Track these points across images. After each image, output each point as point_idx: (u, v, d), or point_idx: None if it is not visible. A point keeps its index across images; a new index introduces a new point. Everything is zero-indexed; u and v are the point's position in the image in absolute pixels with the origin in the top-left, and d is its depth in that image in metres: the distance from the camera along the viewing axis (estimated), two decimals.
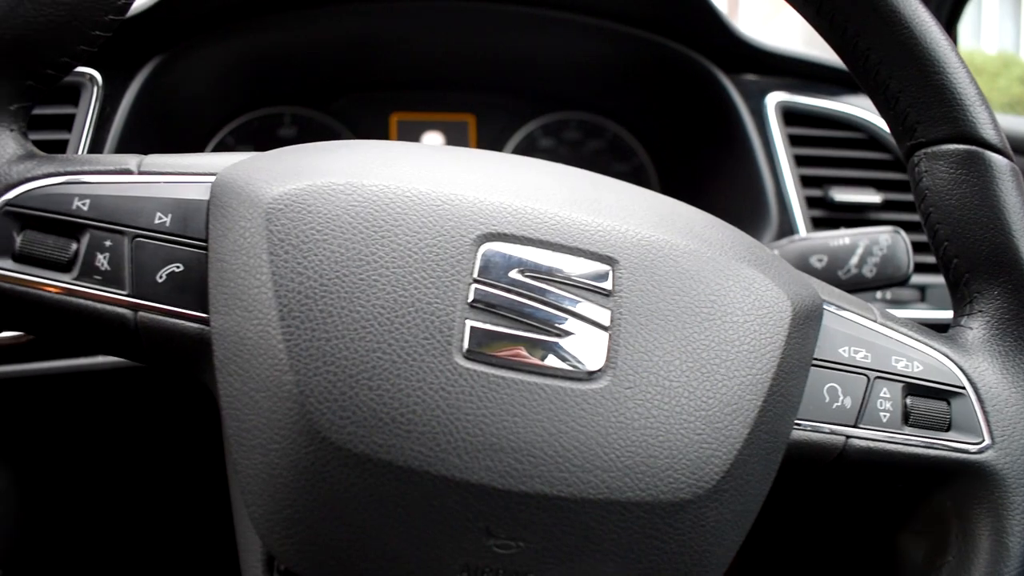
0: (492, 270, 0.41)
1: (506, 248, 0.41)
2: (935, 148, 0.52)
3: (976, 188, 0.51)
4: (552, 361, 0.40)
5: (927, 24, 0.50)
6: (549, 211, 0.43)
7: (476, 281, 0.41)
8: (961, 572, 0.49)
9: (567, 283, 0.42)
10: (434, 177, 0.43)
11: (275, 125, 1.14)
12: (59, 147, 0.85)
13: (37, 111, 0.84)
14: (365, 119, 1.17)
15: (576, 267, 0.42)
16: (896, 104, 0.52)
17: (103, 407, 0.94)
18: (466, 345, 0.40)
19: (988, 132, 0.51)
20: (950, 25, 1.43)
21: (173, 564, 1.17)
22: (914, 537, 0.97)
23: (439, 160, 0.45)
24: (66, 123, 0.86)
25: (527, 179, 0.45)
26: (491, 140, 1.19)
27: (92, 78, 0.88)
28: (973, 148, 0.51)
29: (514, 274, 0.41)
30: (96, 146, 0.86)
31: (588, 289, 0.42)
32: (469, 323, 0.40)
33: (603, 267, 0.42)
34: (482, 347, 0.40)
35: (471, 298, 0.40)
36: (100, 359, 0.79)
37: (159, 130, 0.95)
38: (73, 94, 0.87)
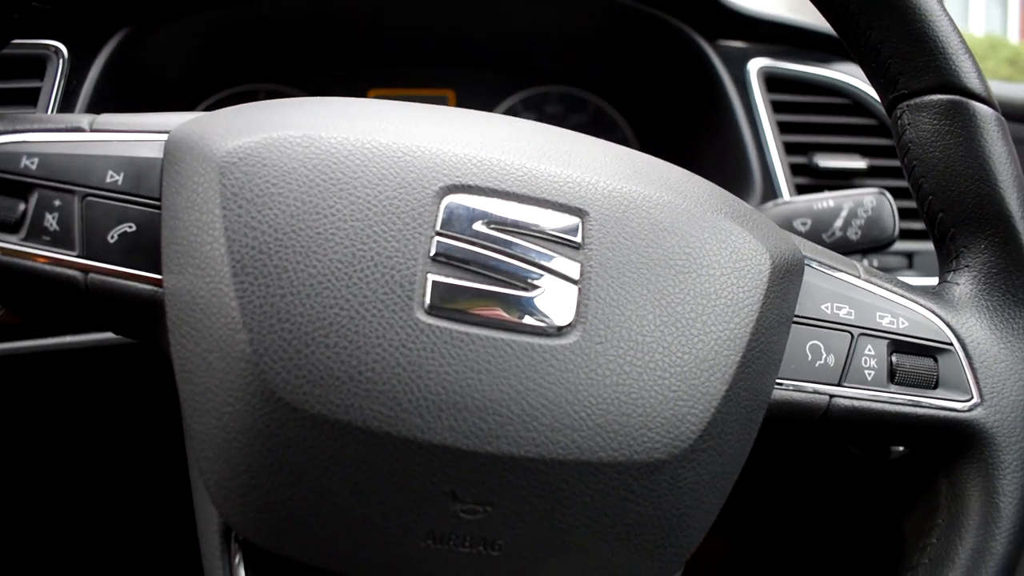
0: (455, 222, 0.39)
1: (470, 200, 0.40)
2: (918, 99, 0.50)
3: (960, 139, 0.49)
4: (518, 316, 0.39)
5: None
6: (516, 162, 0.41)
7: (438, 234, 0.39)
8: (951, 534, 0.47)
9: (534, 235, 0.40)
10: (396, 130, 0.41)
11: (250, 102, 1.12)
12: None
13: (2, 85, 0.82)
14: (342, 95, 1.14)
15: (544, 219, 0.40)
16: (877, 56, 0.51)
17: (68, 388, 0.93)
18: (428, 300, 0.38)
19: (972, 81, 0.49)
20: None
21: (143, 537, 1.16)
22: (905, 501, 0.96)
23: (402, 114, 0.44)
24: (31, 97, 0.84)
25: (494, 131, 0.43)
26: None
27: (57, 50, 0.86)
28: (957, 98, 0.49)
29: (478, 226, 0.39)
30: None
31: (557, 242, 0.40)
32: (431, 277, 0.38)
33: (573, 219, 0.41)
34: (445, 302, 0.38)
35: (433, 251, 0.39)
36: (65, 339, 0.78)
37: (128, 106, 0.93)
38: (39, 67, 0.85)
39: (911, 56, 0.50)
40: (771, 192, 0.97)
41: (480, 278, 0.39)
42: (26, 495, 1.04)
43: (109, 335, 0.71)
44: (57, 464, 1.06)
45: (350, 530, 0.38)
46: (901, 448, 0.77)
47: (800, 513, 1.23)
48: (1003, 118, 0.50)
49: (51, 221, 0.41)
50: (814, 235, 0.78)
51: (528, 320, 0.39)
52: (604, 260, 0.40)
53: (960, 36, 0.50)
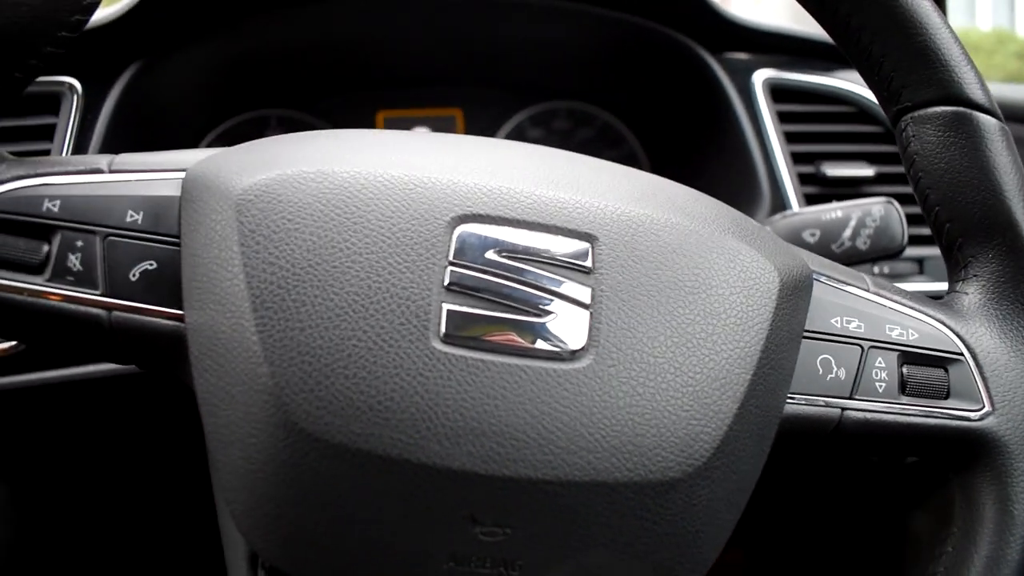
0: (468, 252, 0.40)
1: (482, 229, 0.41)
2: (922, 112, 0.51)
3: (965, 150, 0.50)
4: (532, 342, 0.39)
5: None
6: (525, 190, 0.42)
7: (452, 263, 0.40)
8: (966, 542, 0.48)
9: (546, 262, 0.41)
10: (407, 161, 0.42)
11: (262, 128, 1.13)
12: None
13: (18, 122, 0.84)
14: (352, 118, 1.16)
15: (555, 245, 0.41)
16: (880, 69, 0.51)
17: (94, 416, 0.94)
18: (443, 329, 0.39)
19: (975, 92, 0.50)
20: None
21: (166, 567, 1.17)
22: (919, 510, 0.96)
23: (412, 145, 0.44)
24: (47, 133, 0.86)
25: (503, 159, 0.44)
26: (479, 133, 1.18)
27: (71, 86, 0.88)
28: (960, 109, 0.50)
29: (491, 255, 0.40)
30: (78, 154, 0.85)
31: (567, 267, 0.41)
32: (446, 306, 0.39)
33: (583, 244, 0.41)
34: (460, 330, 0.39)
35: (447, 281, 0.39)
36: (90, 368, 0.79)
37: (142, 137, 0.94)
38: (53, 103, 0.87)
39: (913, 69, 0.50)
40: (780, 202, 0.97)
41: (493, 306, 0.40)
42: (55, 523, 1.05)
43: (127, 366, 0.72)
44: (86, 491, 1.07)
45: (373, 555, 0.39)
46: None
47: (816, 521, 1.23)
48: (1007, 127, 0.51)
49: (74, 261, 0.42)
50: (823, 246, 0.78)
51: (541, 345, 0.39)
52: (614, 284, 0.41)
53: (962, 47, 0.50)
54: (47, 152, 0.85)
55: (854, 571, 1.17)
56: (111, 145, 0.87)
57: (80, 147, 0.86)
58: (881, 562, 1.09)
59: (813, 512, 1.22)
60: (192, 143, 1.09)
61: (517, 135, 1.19)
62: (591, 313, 0.40)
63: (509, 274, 0.40)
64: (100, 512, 1.10)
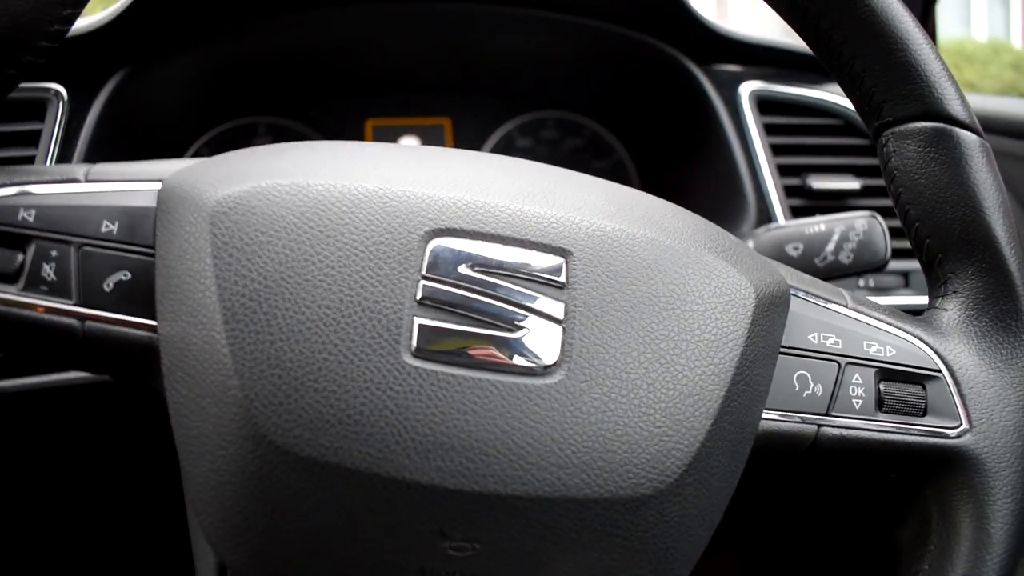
0: (441, 266, 0.40)
1: (455, 243, 0.41)
2: (902, 127, 0.51)
3: (945, 166, 0.50)
4: (504, 357, 0.39)
5: (889, 1, 0.49)
6: (500, 204, 0.42)
7: (424, 278, 0.40)
8: (943, 560, 0.48)
9: (519, 277, 0.41)
10: (382, 174, 0.42)
11: (250, 136, 1.13)
12: (26, 163, 0.84)
13: (2, 128, 0.84)
14: (340, 126, 1.16)
15: (528, 260, 0.41)
16: (861, 84, 0.51)
17: (69, 422, 0.94)
18: (415, 343, 0.39)
19: (956, 108, 0.50)
20: (928, 7, 1.42)
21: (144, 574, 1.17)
22: (898, 525, 0.96)
23: (388, 158, 0.44)
24: (33, 139, 0.85)
25: (478, 173, 0.44)
26: (468, 142, 1.18)
27: (57, 93, 0.87)
28: (941, 125, 0.50)
29: (464, 269, 0.40)
30: (63, 161, 0.85)
31: (541, 282, 0.41)
32: (417, 321, 0.39)
33: (556, 259, 0.41)
34: (431, 344, 0.39)
35: (419, 295, 0.39)
36: (64, 376, 0.79)
37: (129, 144, 0.94)
38: (39, 110, 0.87)
39: (894, 84, 0.50)
40: (765, 214, 0.98)
41: (466, 320, 0.39)
42: (28, 528, 1.04)
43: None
44: (60, 497, 1.06)
45: (342, 568, 0.39)
46: None
47: (805, 529, 1.23)
48: (987, 144, 0.51)
49: (48, 271, 0.42)
50: (806, 259, 0.78)
51: (513, 360, 0.39)
52: (588, 299, 0.41)
53: (943, 63, 0.50)
54: (32, 158, 0.85)
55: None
56: (97, 152, 0.87)
57: (65, 154, 0.86)
58: (866, 570, 1.09)
59: (802, 520, 1.22)
60: (179, 150, 1.08)
61: (506, 144, 1.19)
62: (564, 328, 0.40)
63: (482, 289, 0.40)
64: (73, 519, 1.09)
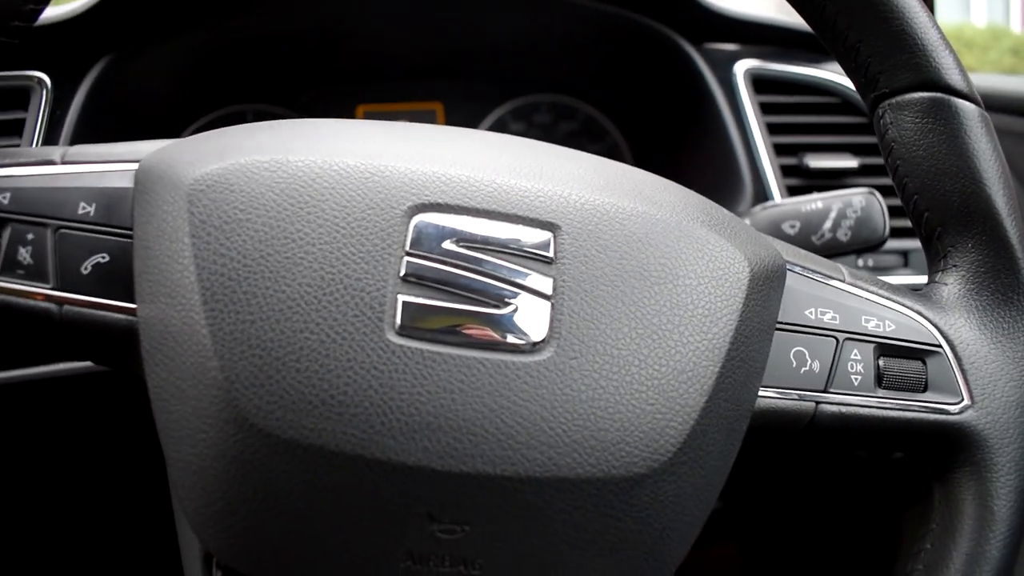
0: (425, 241, 0.39)
1: (440, 219, 0.39)
2: (899, 98, 0.50)
3: (944, 137, 0.49)
4: (490, 334, 0.38)
5: None
6: (485, 179, 0.41)
7: (408, 254, 0.39)
8: (946, 538, 0.47)
9: (505, 252, 0.40)
10: (364, 150, 0.41)
11: (238, 123, 1.12)
12: None
13: None
14: (331, 113, 1.15)
15: (515, 235, 0.40)
16: (856, 55, 0.50)
17: (54, 415, 0.93)
18: (399, 321, 0.38)
19: (954, 78, 0.49)
20: None
21: (125, 566, 1.16)
22: (900, 504, 0.96)
23: (370, 133, 0.43)
24: (17, 128, 0.85)
25: (463, 148, 0.43)
26: (460, 126, 1.17)
27: (41, 81, 0.86)
28: (939, 95, 0.49)
29: (448, 244, 0.39)
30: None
31: (528, 257, 0.40)
32: (401, 298, 0.38)
33: (544, 234, 0.40)
34: (416, 322, 0.38)
35: (403, 272, 0.38)
36: (49, 368, 0.78)
37: (115, 133, 0.93)
38: (22, 98, 0.86)
39: (890, 54, 0.49)
40: (762, 194, 0.97)
41: (451, 297, 0.38)
42: (14, 520, 1.04)
43: (89, 364, 0.71)
44: (46, 489, 1.06)
45: (329, 553, 0.38)
46: None
47: (808, 514, 1.22)
48: (987, 114, 0.50)
49: (24, 255, 0.41)
50: (803, 237, 0.77)
51: (500, 337, 0.38)
52: (577, 274, 0.40)
53: (940, 32, 0.49)
54: (16, 147, 0.83)
55: (845, 564, 1.17)
56: (82, 140, 0.86)
57: (49, 142, 0.85)
58: (870, 555, 1.09)
59: (804, 506, 1.22)
60: (167, 138, 1.07)
61: (499, 129, 1.18)
62: (552, 304, 0.39)
63: (467, 264, 0.39)
64: (60, 510, 1.09)
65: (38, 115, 0.85)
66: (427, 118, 1.17)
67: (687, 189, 0.46)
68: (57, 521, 1.09)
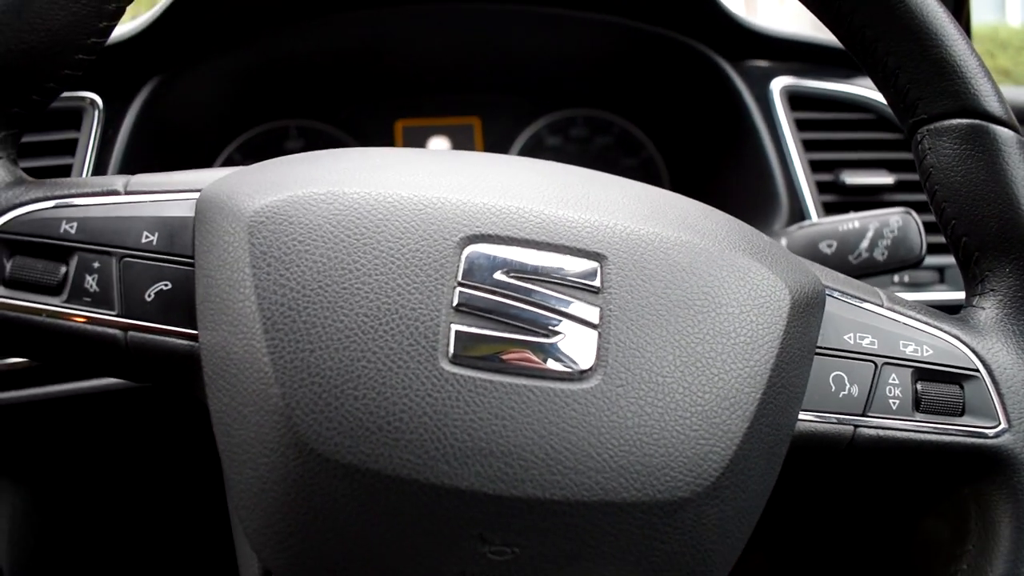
0: (476, 272, 0.40)
1: (490, 249, 0.41)
2: (938, 124, 0.50)
3: (982, 163, 0.49)
4: (540, 362, 0.39)
5: None
6: (534, 209, 0.42)
7: (460, 284, 0.40)
8: (981, 560, 0.47)
9: (554, 282, 0.41)
10: (416, 181, 0.43)
11: (281, 139, 1.14)
12: (63, 172, 0.86)
13: (41, 137, 0.85)
14: (370, 128, 1.17)
15: (563, 265, 0.41)
16: (895, 81, 0.51)
17: (113, 427, 0.95)
18: (452, 350, 0.39)
19: (992, 104, 0.49)
20: None
21: None
22: (936, 525, 0.95)
23: (422, 164, 0.45)
24: (69, 148, 0.87)
25: (512, 178, 0.44)
26: (497, 141, 1.18)
27: (93, 102, 0.89)
28: (977, 122, 0.49)
29: (499, 275, 0.40)
30: (99, 169, 0.86)
31: (576, 287, 0.41)
32: (454, 327, 0.39)
33: (591, 264, 0.41)
34: (468, 351, 0.39)
35: (456, 302, 0.40)
36: (107, 381, 0.80)
37: (163, 150, 0.96)
38: (75, 119, 0.88)
39: (929, 81, 0.50)
40: (798, 211, 0.97)
41: (502, 326, 0.40)
42: (73, 530, 1.06)
43: None
44: (105, 501, 1.08)
45: (384, 573, 0.39)
46: None
47: (835, 526, 1.22)
48: None
49: (91, 283, 0.43)
50: (840, 257, 0.77)
51: (550, 365, 0.39)
52: (623, 303, 0.41)
53: (978, 58, 0.50)
54: (69, 167, 0.86)
55: (870, 574, 1.17)
56: (132, 158, 0.88)
57: (101, 161, 0.87)
58: (899, 571, 1.08)
59: (833, 517, 1.21)
60: (212, 154, 1.10)
61: (535, 143, 1.19)
62: (599, 333, 0.40)
63: (517, 294, 0.40)
64: (117, 523, 1.11)
65: (90, 135, 0.87)
66: (465, 132, 1.18)
67: (729, 216, 0.47)
68: (109, 531, 1.11)
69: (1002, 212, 0.49)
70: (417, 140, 1.18)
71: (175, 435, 0.99)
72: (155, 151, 0.93)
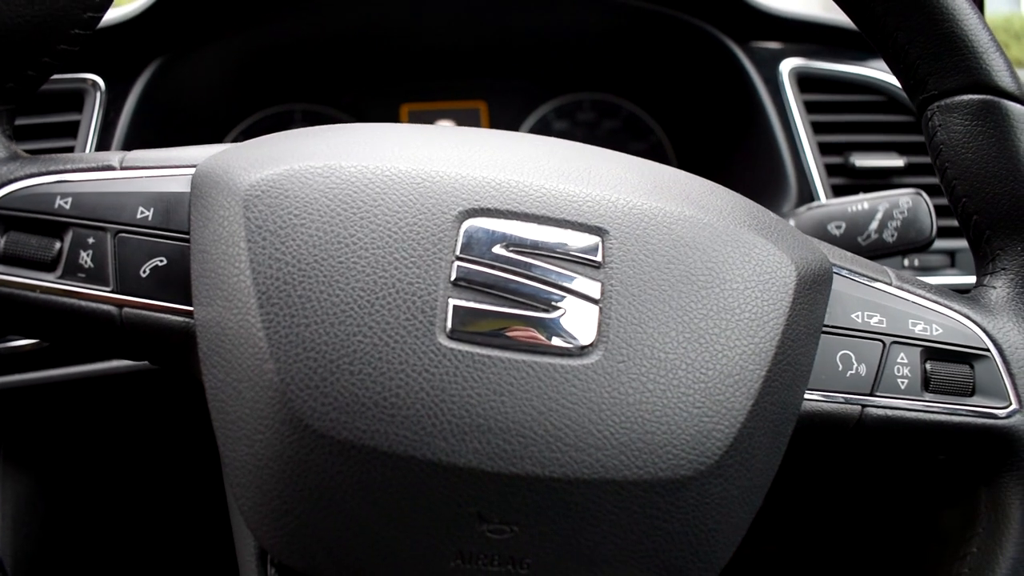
0: (475, 246, 0.39)
1: (490, 223, 0.40)
2: (948, 100, 0.49)
3: (993, 139, 0.48)
4: (540, 337, 0.39)
5: None
6: (535, 183, 0.42)
7: (458, 258, 0.39)
8: (992, 543, 0.46)
9: (554, 256, 0.40)
10: (415, 155, 0.42)
11: (286, 123, 1.14)
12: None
13: (43, 119, 0.85)
14: (376, 112, 1.16)
15: (564, 239, 0.40)
16: (905, 57, 0.50)
17: (112, 411, 0.95)
18: (449, 324, 0.38)
19: (1004, 79, 0.48)
20: None
21: (180, 560, 1.18)
22: (948, 507, 0.94)
23: (421, 138, 0.44)
24: (71, 130, 0.87)
25: (512, 153, 0.44)
26: (504, 125, 1.18)
27: (95, 83, 0.88)
28: (988, 97, 0.48)
29: (498, 249, 0.40)
30: (101, 151, 0.86)
31: (577, 261, 0.40)
32: (452, 302, 0.38)
33: (592, 238, 0.41)
34: (466, 326, 0.38)
35: (454, 276, 0.39)
36: (107, 365, 0.80)
37: (166, 132, 0.95)
38: (77, 100, 0.88)
39: (940, 56, 0.49)
40: (807, 193, 0.96)
41: (501, 301, 0.39)
42: (76, 515, 1.06)
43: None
44: (104, 484, 1.08)
45: (380, 551, 0.38)
46: None
47: (847, 514, 1.21)
48: None
49: (85, 258, 0.42)
50: (849, 238, 0.76)
51: (549, 341, 0.39)
52: (625, 279, 0.40)
53: (990, 34, 0.49)
54: (71, 148, 0.86)
55: (884, 565, 1.16)
56: (134, 141, 0.88)
57: (103, 143, 0.87)
58: (911, 557, 1.08)
59: (844, 506, 1.21)
60: (216, 138, 1.09)
61: (542, 127, 1.18)
62: (601, 308, 0.40)
63: (517, 269, 0.39)
64: (117, 505, 1.11)
65: (92, 117, 0.87)
66: (471, 116, 1.17)
67: (734, 192, 0.47)
68: (112, 515, 1.11)
69: (1014, 190, 0.48)
70: (423, 124, 1.17)
71: (177, 418, 0.99)
72: (157, 134, 0.92)
